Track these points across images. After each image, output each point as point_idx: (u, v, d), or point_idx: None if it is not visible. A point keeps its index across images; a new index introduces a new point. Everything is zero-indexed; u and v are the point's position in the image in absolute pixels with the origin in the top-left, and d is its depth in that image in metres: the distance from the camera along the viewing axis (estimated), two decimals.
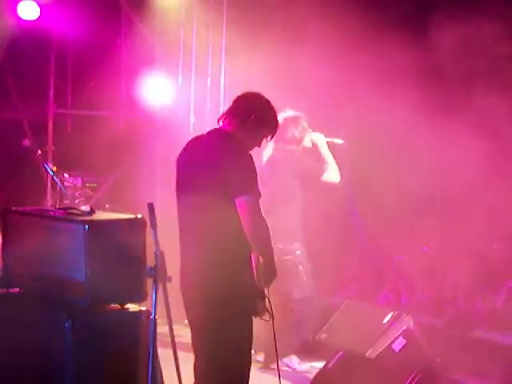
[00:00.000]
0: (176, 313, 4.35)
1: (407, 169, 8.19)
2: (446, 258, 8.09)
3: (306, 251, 7.01)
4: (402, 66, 7.82)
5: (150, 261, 4.21)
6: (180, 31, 9.21)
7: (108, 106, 10.21)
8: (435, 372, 5.92)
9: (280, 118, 6.45)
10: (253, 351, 4.91)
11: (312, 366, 6.79)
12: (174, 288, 4.36)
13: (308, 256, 7.06)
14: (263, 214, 4.57)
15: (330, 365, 5.76)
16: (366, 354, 6.39)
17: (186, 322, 4.84)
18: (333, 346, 6.40)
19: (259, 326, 4.79)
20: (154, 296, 4.11)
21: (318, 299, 7.16)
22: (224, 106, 8.29)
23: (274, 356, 6.71)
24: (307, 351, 7.01)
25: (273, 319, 4.66)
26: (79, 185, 9.44)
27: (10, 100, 9.94)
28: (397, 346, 6.37)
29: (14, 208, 4.90)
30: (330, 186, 7.02)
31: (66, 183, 9.20)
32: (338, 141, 7.06)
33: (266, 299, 4.64)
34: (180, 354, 4.28)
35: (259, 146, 4.85)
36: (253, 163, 4.56)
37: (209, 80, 9.16)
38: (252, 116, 4.70)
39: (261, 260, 4.55)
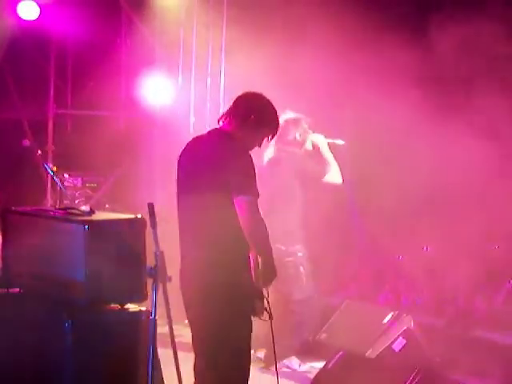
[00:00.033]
0: (176, 313, 4.35)
1: (407, 169, 8.19)
2: (446, 258, 8.09)
3: (307, 252, 7.01)
4: (402, 65, 7.82)
5: (150, 261, 4.21)
6: (180, 31, 9.21)
7: (108, 106, 10.21)
8: (435, 372, 5.92)
9: (281, 119, 6.47)
10: (253, 351, 4.92)
11: (312, 366, 6.79)
12: (174, 288, 4.36)
13: (308, 256, 7.06)
14: (262, 214, 4.57)
15: (330, 365, 5.76)
16: (366, 354, 6.39)
17: (186, 322, 4.83)
18: (333, 346, 6.40)
19: (260, 324, 4.79)
20: (153, 296, 4.10)
21: (318, 300, 7.16)
22: (224, 106, 8.30)
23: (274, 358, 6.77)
24: (307, 351, 7.01)
25: (271, 319, 4.65)
26: (79, 185, 9.44)
27: (9, 100, 9.94)
28: (397, 345, 6.37)
29: (13, 208, 4.90)
30: (332, 188, 7.02)
31: (65, 183, 9.20)
32: (339, 141, 7.06)
33: (265, 299, 4.64)
34: (180, 354, 4.28)
35: (259, 146, 4.85)
36: (252, 163, 4.56)
37: (209, 80, 9.16)
38: (252, 116, 4.70)
39: (259, 260, 4.54)
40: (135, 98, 9.40)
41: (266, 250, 4.57)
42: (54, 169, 8.85)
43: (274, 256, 6.65)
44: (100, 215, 4.63)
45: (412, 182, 8.12)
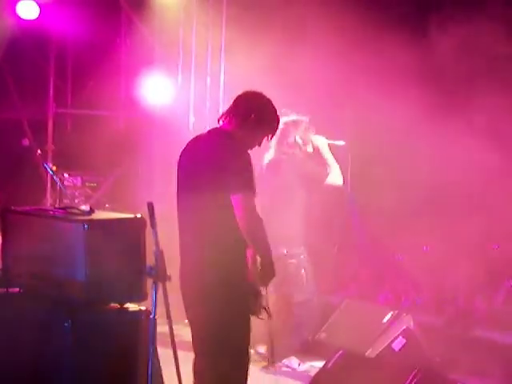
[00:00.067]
0: (176, 312, 4.35)
1: (407, 169, 8.19)
2: (446, 258, 8.09)
3: (308, 253, 7.00)
4: (402, 65, 7.82)
5: (150, 260, 4.21)
6: (179, 31, 9.21)
7: (108, 106, 10.21)
8: (435, 371, 5.91)
9: (281, 121, 6.46)
10: (252, 350, 4.91)
11: (312, 366, 6.79)
12: (173, 287, 4.36)
13: (309, 258, 7.05)
14: (260, 214, 4.56)
15: (330, 364, 5.75)
16: (366, 354, 6.39)
17: (186, 321, 4.83)
18: (332, 345, 6.40)
19: (261, 321, 4.80)
20: (153, 295, 4.10)
21: (317, 301, 7.15)
22: (223, 106, 8.30)
23: (274, 357, 6.78)
24: (307, 351, 7.01)
25: (269, 318, 4.64)
26: (79, 184, 9.44)
27: (9, 99, 9.94)
28: (396, 345, 6.38)
29: (13, 207, 4.90)
30: (334, 189, 7.03)
31: (65, 183, 9.21)
32: (340, 142, 7.05)
33: (264, 298, 4.63)
34: (180, 353, 4.29)
35: (260, 146, 4.85)
36: (250, 163, 4.56)
37: (208, 79, 9.16)
38: (252, 115, 4.70)
39: (257, 258, 4.54)
40: (135, 97, 9.40)
41: (263, 249, 4.56)
42: (54, 168, 8.85)
43: (276, 258, 6.68)
44: (100, 215, 4.63)
45: (412, 182, 8.12)
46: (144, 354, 4.21)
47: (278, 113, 4.90)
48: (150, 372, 4.12)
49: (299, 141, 6.90)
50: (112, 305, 4.50)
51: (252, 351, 5.67)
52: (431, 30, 8.02)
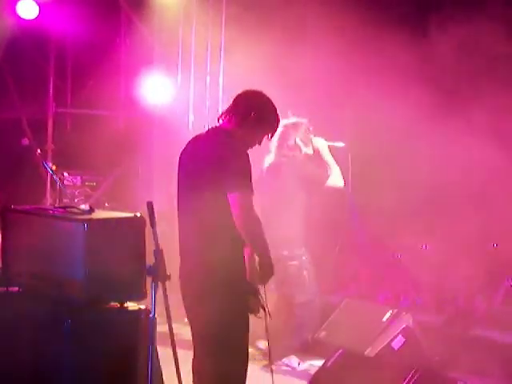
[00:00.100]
0: (175, 311, 4.36)
1: (406, 168, 8.19)
2: (446, 257, 8.10)
3: (309, 254, 7.00)
4: (402, 65, 7.83)
5: (150, 259, 4.21)
6: (179, 30, 9.22)
7: (107, 105, 10.22)
8: (434, 370, 5.93)
9: (280, 124, 6.46)
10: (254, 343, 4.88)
11: (311, 365, 6.80)
12: (173, 286, 4.37)
13: (311, 259, 7.05)
14: (260, 214, 4.56)
15: (330, 363, 5.76)
16: (366, 352, 6.41)
17: (186, 320, 4.84)
18: (332, 344, 6.42)
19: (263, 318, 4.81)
20: (153, 294, 4.11)
21: (318, 301, 7.15)
22: (223, 105, 8.31)
23: (274, 357, 6.78)
24: (307, 350, 7.02)
25: (266, 316, 4.64)
26: (78, 183, 9.44)
27: (9, 99, 9.95)
28: (396, 344, 6.39)
29: (13, 207, 4.90)
30: (334, 191, 7.03)
31: (65, 182, 9.22)
32: (339, 144, 7.05)
33: (262, 296, 4.63)
34: (179, 352, 4.29)
35: (260, 144, 4.86)
36: (248, 162, 4.56)
37: (208, 79, 9.17)
38: (252, 114, 4.71)
39: (255, 257, 4.53)
40: (134, 96, 9.41)
41: (261, 247, 4.56)
42: (54, 168, 8.86)
43: (277, 260, 6.68)
44: (99, 214, 4.62)
45: (411, 182, 8.12)
46: (144, 352, 4.21)
47: (279, 112, 4.90)
48: (149, 371, 4.12)
49: (299, 143, 6.90)
50: (112, 304, 4.50)
51: (251, 349, 5.69)
52: (431, 30, 8.02)
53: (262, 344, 6.94)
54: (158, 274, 4.11)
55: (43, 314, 4.48)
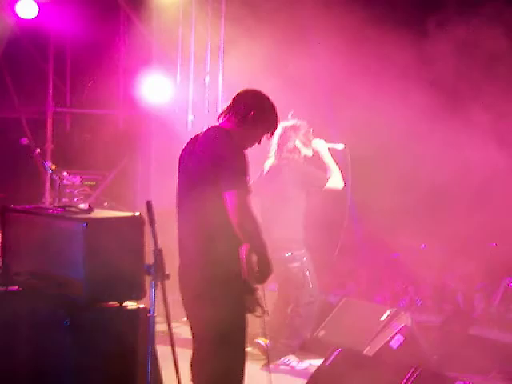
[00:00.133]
0: (174, 310, 4.37)
1: (406, 168, 8.21)
2: (444, 257, 8.11)
3: (310, 254, 7.01)
4: (402, 66, 7.84)
5: (149, 258, 4.22)
6: (178, 30, 9.22)
7: (107, 105, 10.22)
8: (433, 369, 5.94)
9: (280, 126, 6.46)
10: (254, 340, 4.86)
11: (310, 364, 6.81)
12: (172, 285, 4.37)
13: (311, 259, 7.06)
14: (259, 215, 4.57)
15: (328, 362, 5.76)
16: (364, 352, 6.42)
17: (185, 319, 4.85)
18: (331, 343, 6.42)
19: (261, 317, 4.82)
20: (152, 293, 4.11)
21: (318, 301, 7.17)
22: (222, 105, 8.30)
23: (273, 355, 6.80)
24: (306, 349, 7.03)
25: (263, 314, 4.64)
26: (78, 183, 9.44)
27: (8, 99, 9.95)
28: (395, 343, 6.40)
29: (13, 206, 4.91)
30: (334, 193, 7.05)
31: (64, 181, 9.21)
32: (339, 146, 7.05)
33: (260, 295, 4.62)
34: (178, 350, 4.29)
35: (259, 143, 4.85)
36: (245, 161, 4.56)
37: (207, 78, 9.17)
38: (251, 112, 4.70)
39: (252, 255, 4.52)
40: (134, 96, 9.41)
41: (258, 246, 4.53)
42: (53, 167, 8.86)
43: (279, 262, 6.70)
44: (98, 213, 4.63)
45: (410, 182, 8.14)
46: (143, 352, 4.22)
47: (278, 111, 4.89)
48: (149, 369, 4.13)
49: (299, 145, 6.90)
50: (111, 303, 4.51)
51: (250, 349, 5.71)
52: (431, 31, 8.03)
53: (261, 340, 6.96)
54: (158, 273, 4.11)
55: (43, 312, 4.48)
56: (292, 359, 6.88)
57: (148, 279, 4.20)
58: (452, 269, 8.34)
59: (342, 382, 5.58)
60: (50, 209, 4.97)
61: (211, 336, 4.59)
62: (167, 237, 4.64)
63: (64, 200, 8.82)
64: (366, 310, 7.00)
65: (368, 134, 7.92)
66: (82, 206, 4.69)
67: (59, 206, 4.93)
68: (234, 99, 4.81)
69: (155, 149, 9.55)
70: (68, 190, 9.08)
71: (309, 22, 8.58)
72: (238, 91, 4.84)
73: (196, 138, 4.84)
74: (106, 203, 9.18)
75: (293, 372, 6.76)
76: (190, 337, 4.77)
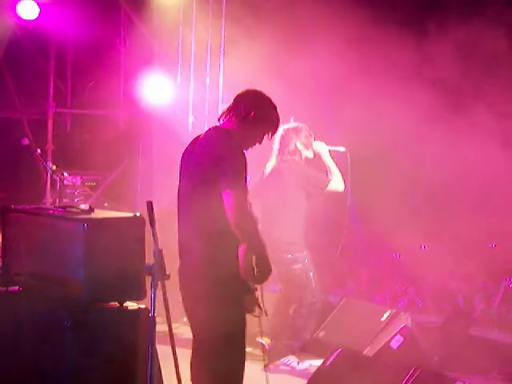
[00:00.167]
0: (175, 310, 4.37)
1: (406, 168, 8.21)
2: (445, 257, 8.11)
3: (311, 255, 7.01)
4: (403, 66, 7.84)
5: (149, 259, 4.23)
6: (179, 30, 9.23)
7: (107, 105, 10.23)
8: (433, 370, 5.94)
9: (282, 128, 6.47)
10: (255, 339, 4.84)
11: (311, 364, 6.81)
12: (172, 286, 4.38)
13: (312, 260, 7.07)
14: (262, 217, 4.58)
15: (328, 363, 5.77)
16: (364, 352, 6.42)
17: (185, 319, 4.86)
18: (331, 343, 6.42)
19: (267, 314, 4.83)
20: (152, 294, 4.12)
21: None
22: (222, 105, 8.31)
23: (274, 356, 6.80)
24: (306, 349, 7.04)
25: (262, 314, 4.64)
26: (78, 183, 9.46)
27: (9, 99, 9.95)
28: (395, 343, 6.41)
29: (13, 206, 4.91)
30: (335, 195, 7.06)
31: (65, 182, 9.23)
32: (340, 148, 7.05)
33: (258, 295, 4.62)
34: (179, 350, 4.29)
35: (260, 143, 4.86)
36: (243, 161, 4.56)
37: (207, 79, 9.18)
38: (252, 113, 4.71)
39: (250, 255, 4.52)
40: (134, 97, 9.42)
41: (255, 245, 4.53)
42: (54, 167, 8.88)
43: (280, 263, 6.70)
44: (99, 214, 4.64)
45: (410, 183, 8.14)
46: (143, 352, 4.23)
47: (279, 111, 4.90)
48: (149, 369, 4.14)
49: (300, 147, 6.90)
50: (111, 303, 4.51)
51: (251, 349, 5.71)
52: (432, 31, 8.04)
53: (263, 340, 6.97)
54: (158, 273, 4.12)
55: (43, 313, 4.49)
56: (292, 359, 6.89)
57: (148, 279, 4.20)
58: (452, 269, 8.34)
59: (342, 382, 5.58)
60: (51, 209, 4.98)
61: (210, 336, 4.61)
62: (167, 237, 4.65)
63: (65, 200, 8.83)
64: (366, 311, 7.01)
65: (368, 135, 7.93)
66: (83, 206, 4.70)
67: (60, 207, 4.94)
68: (235, 100, 4.81)
69: (156, 149, 9.56)
70: (68, 191, 9.09)
71: (309, 22, 8.59)
72: (239, 92, 4.85)
73: (197, 138, 4.85)
74: (106, 204, 9.19)
75: (293, 372, 6.77)
76: (190, 337, 4.79)
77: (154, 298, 4.11)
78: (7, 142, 9.77)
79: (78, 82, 10.47)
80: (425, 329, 6.98)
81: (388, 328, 6.56)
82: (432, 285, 8.35)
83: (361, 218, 8.93)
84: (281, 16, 8.45)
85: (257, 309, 4.63)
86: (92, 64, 10.07)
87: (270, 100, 4.82)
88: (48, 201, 9.39)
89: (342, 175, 6.99)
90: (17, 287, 4.74)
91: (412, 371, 5.28)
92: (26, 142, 8.97)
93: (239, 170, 4.52)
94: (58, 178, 8.75)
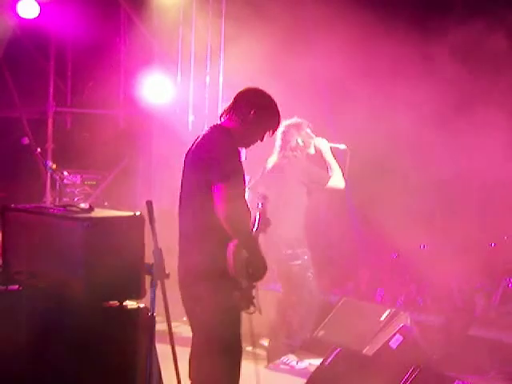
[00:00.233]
0: (174, 309, 4.38)
1: (406, 168, 8.21)
2: (444, 257, 8.11)
3: (310, 253, 7.02)
4: (403, 66, 7.85)
5: (149, 258, 4.23)
6: (179, 30, 9.23)
7: (107, 105, 10.23)
8: (432, 369, 5.94)
9: (282, 124, 6.47)
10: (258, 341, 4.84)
11: (310, 363, 6.82)
12: (172, 285, 4.39)
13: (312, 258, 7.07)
14: (243, 205, 4.57)
15: (328, 362, 5.77)
16: (364, 351, 6.43)
17: (185, 318, 4.87)
18: (330, 343, 6.43)
19: (265, 315, 4.82)
20: (152, 293, 4.12)
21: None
22: (222, 105, 8.32)
23: (274, 355, 6.80)
24: (305, 349, 7.04)
25: (255, 312, 4.64)
26: (78, 182, 9.46)
27: (9, 98, 9.96)
28: (394, 343, 6.41)
29: (13, 205, 4.91)
30: (335, 192, 7.06)
31: (65, 181, 9.23)
32: (341, 146, 7.06)
33: (251, 292, 4.61)
34: (178, 350, 4.30)
35: (262, 141, 4.86)
36: (236, 157, 4.57)
37: (207, 78, 9.18)
38: (253, 111, 4.71)
39: (242, 251, 4.52)
40: (134, 96, 9.42)
41: (247, 240, 4.54)
42: (54, 166, 8.88)
43: (280, 260, 6.70)
44: (99, 212, 4.63)
45: (410, 182, 8.14)
46: (143, 351, 4.23)
47: (279, 108, 4.90)
48: (148, 368, 4.14)
49: (301, 143, 6.91)
50: (111, 302, 4.52)
51: (250, 348, 5.71)
52: (433, 31, 8.04)
53: (265, 342, 6.99)
54: (157, 272, 4.12)
55: (43, 311, 4.49)
56: (292, 359, 6.89)
57: (148, 278, 4.21)
58: (452, 269, 8.34)
59: (342, 381, 5.59)
60: (51, 208, 4.98)
61: (204, 333, 4.62)
62: (167, 236, 4.65)
63: (64, 199, 8.84)
64: (365, 310, 7.01)
65: (368, 135, 7.93)
66: (83, 205, 4.70)
67: (60, 206, 4.94)
68: (236, 98, 4.82)
69: (155, 148, 9.57)
70: (68, 190, 9.10)
71: (309, 22, 8.59)
72: (240, 90, 4.85)
73: (198, 137, 4.86)
74: (106, 203, 9.19)
75: (292, 371, 6.77)
76: (190, 336, 4.80)
77: (154, 297, 4.12)
78: (7, 141, 9.78)
79: (78, 81, 10.47)
80: (424, 328, 6.98)
81: (387, 327, 6.56)
82: (431, 284, 8.35)
83: (361, 217, 8.94)
84: (281, 15, 8.46)
85: (251, 306, 4.61)
86: (92, 63, 10.07)
87: (270, 98, 4.82)
88: (48, 200, 9.40)
89: (342, 173, 7.00)
90: (16, 286, 4.74)
91: (411, 370, 5.28)
92: (26, 141, 8.98)
93: (231, 165, 4.52)
94: (57, 177, 8.76)
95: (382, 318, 6.66)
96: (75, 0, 9.39)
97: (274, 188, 6.80)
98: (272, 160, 7.01)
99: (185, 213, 4.69)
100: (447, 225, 8.37)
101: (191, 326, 4.77)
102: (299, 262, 6.86)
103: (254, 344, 5.78)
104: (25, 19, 9.00)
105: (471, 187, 8.07)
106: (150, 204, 4.13)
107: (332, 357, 5.75)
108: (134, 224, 4.47)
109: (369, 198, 8.33)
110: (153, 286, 4.12)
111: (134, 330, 4.44)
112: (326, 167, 7.00)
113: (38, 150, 8.83)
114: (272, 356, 6.86)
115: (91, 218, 4.44)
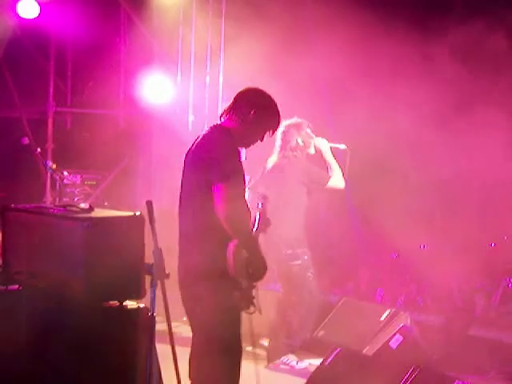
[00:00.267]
0: (174, 309, 4.38)
1: (406, 168, 8.21)
2: (444, 257, 8.12)
3: (310, 253, 7.02)
4: (404, 67, 7.85)
5: (149, 258, 4.23)
6: (179, 30, 9.24)
7: (107, 105, 10.23)
8: (432, 369, 5.94)
9: (283, 124, 6.47)
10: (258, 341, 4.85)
11: (310, 363, 6.82)
12: (172, 285, 4.39)
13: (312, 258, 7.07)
14: (243, 205, 4.57)
15: (328, 362, 5.77)
16: (364, 351, 6.43)
17: (185, 318, 4.87)
18: (330, 343, 6.43)
19: (266, 315, 4.82)
20: (152, 293, 4.12)
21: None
22: (222, 105, 8.32)
23: (274, 355, 6.81)
24: (305, 348, 7.04)
25: (255, 312, 4.64)
26: (78, 182, 9.47)
27: (9, 98, 9.96)
28: (394, 343, 6.41)
29: (13, 205, 4.92)
30: (335, 192, 7.06)
31: (65, 181, 9.24)
32: (341, 146, 7.06)
33: (251, 292, 4.61)
34: (178, 350, 4.30)
35: (262, 141, 4.86)
36: (236, 157, 4.57)
37: (207, 78, 9.18)
38: (252, 111, 4.72)
39: (242, 251, 4.52)
40: (134, 96, 9.43)
41: (247, 240, 4.54)
42: (54, 166, 8.88)
43: (280, 260, 6.71)
44: (99, 212, 4.64)
45: (410, 182, 8.14)
46: (143, 351, 4.23)
47: (280, 113, 4.90)
48: (148, 368, 4.14)
49: (301, 143, 6.91)
50: (111, 302, 4.52)
51: (250, 348, 5.72)
52: (433, 31, 8.04)
53: (266, 342, 6.99)
54: (157, 272, 4.12)
55: (43, 311, 4.49)
56: (292, 359, 6.89)
57: (148, 279, 4.21)
58: (452, 269, 8.34)
59: (342, 381, 5.59)
60: (51, 208, 4.98)
61: (204, 333, 4.62)
62: (167, 236, 4.66)
63: (64, 199, 8.84)
64: (365, 310, 7.02)
65: (368, 135, 7.93)
66: (83, 205, 4.70)
67: (60, 206, 4.94)
68: (236, 98, 4.82)
69: (155, 148, 9.57)
70: (68, 190, 9.10)
71: (309, 22, 8.59)
72: (240, 90, 4.85)
73: (198, 137, 4.87)
74: (106, 203, 9.19)
75: (292, 371, 6.77)
76: (190, 336, 4.81)
77: (154, 297, 4.12)
78: (7, 142, 9.78)
79: (78, 81, 10.47)
80: (424, 328, 6.98)
81: (387, 327, 6.57)
82: (431, 284, 8.35)
83: (361, 217, 8.94)
84: (281, 15, 8.46)
85: (251, 306, 4.61)
86: (92, 63, 10.08)
87: (270, 98, 4.83)
88: (48, 200, 9.40)
89: (342, 173, 7.00)
90: (16, 286, 4.74)
91: (411, 370, 5.28)
92: (26, 141, 8.97)
93: (232, 167, 4.53)
94: (57, 177, 8.76)
95: (382, 318, 6.67)
96: (75, 0, 9.39)
97: (274, 188, 6.80)
98: (272, 160, 7.01)
99: (185, 213, 4.70)
100: (447, 225, 8.37)
101: (191, 326, 4.78)
102: (299, 262, 6.86)
103: (254, 344, 5.80)
104: (25, 19, 9.00)
105: (471, 187, 8.07)
106: (150, 204, 4.13)
107: (332, 357, 5.75)
108: (134, 224, 4.47)
109: (369, 198, 8.33)
110: (153, 285, 4.12)
111: (134, 330, 4.44)
112: (326, 167, 7.00)
113: (38, 150, 8.83)
114: (272, 356, 6.86)
115: (91, 218, 4.44)
